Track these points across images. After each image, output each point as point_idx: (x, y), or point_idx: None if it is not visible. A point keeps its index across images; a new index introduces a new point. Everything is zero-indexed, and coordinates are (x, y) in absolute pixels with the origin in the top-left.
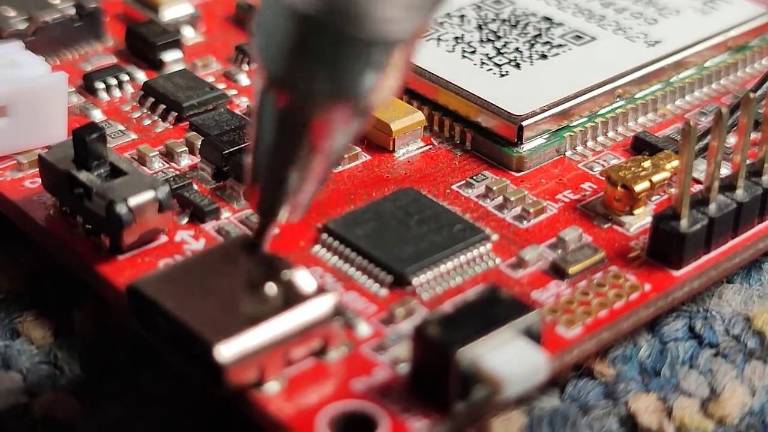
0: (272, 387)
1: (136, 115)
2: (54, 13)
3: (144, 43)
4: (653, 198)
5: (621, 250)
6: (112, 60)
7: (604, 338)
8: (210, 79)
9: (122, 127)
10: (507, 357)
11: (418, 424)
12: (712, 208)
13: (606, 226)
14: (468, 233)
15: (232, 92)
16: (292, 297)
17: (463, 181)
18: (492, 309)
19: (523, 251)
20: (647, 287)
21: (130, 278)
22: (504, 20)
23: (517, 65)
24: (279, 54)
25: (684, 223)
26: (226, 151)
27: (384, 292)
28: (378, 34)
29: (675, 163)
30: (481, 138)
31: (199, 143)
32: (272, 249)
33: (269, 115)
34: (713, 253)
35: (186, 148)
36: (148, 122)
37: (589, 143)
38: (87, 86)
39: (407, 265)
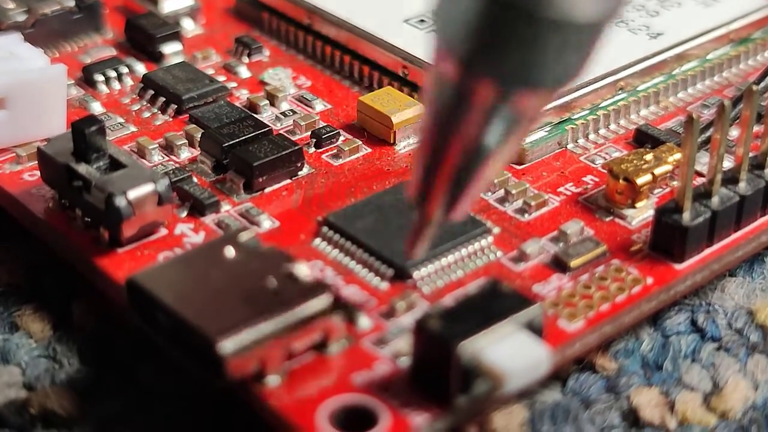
0: (273, 380)
1: (136, 108)
2: (53, 5)
3: (143, 36)
4: (655, 191)
5: (623, 243)
6: (112, 52)
7: (606, 332)
8: (210, 72)
9: (122, 120)
10: (508, 351)
11: (419, 418)
12: (715, 201)
13: (608, 219)
14: (469, 226)
15: (232, 84)
16: (292, 290)
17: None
18: (493, 302)
19: (524, 244)
20: (649, 281)
21: (129, 271)
22: None
23: None
24: (469, 37)
25: (686, 216)
26: (226, 144)
27: (385, 285)
28: (571, 15)
29: (677, 155)
30: None
31: (199, 136)
32: (272, 242)
33: (453, 99)
34: (716, 247)
35: (186, 141)
36: (147, 115)
37: (591, 136)
38: (86, 78)
39: (408, 259)
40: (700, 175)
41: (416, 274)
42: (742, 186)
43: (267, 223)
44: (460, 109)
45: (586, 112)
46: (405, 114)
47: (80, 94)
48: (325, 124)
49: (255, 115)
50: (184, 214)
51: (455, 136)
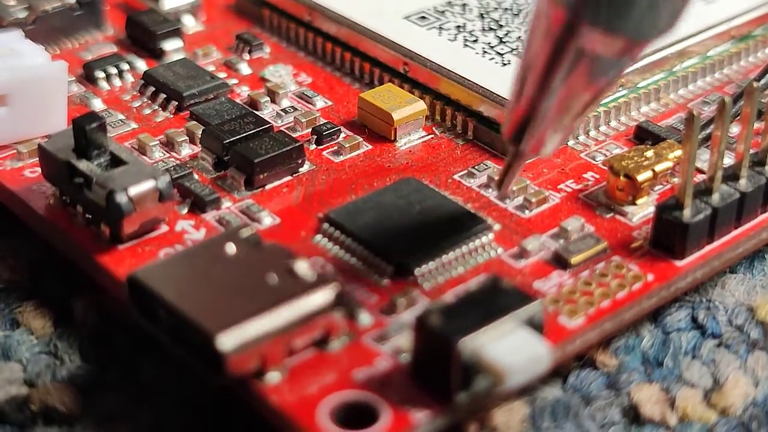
0: (273, 377)
1: (137, 105)
2: (54, 2)
3: (144, 32)
4: (656, 188)
5: (623, 240)
6: (113, 49)
7: (606, 328)
8: (210, 68)
9: (122, 117)
10: (509, 347)
11: (420, 414)
12: (716, 197)
13: (608, 215)
14: (470, 223)
15: (233, 81)
16: (293, 287)
17: (465, 171)
18: (494, 299)
19: (525, 241)
20: (650, 277)
21: (130, 268)
22: (506, 9)
23: (519, 54)
24: None
25: (687, 213)
26: (227, 141)
27: (385, 282)
28: None
29: (678, 152)
30: (483, 127)
31: (200, 132)
32: (273, 239)
33: (543, 33)
34: (716, 243)
35: (186, 138)
36: (148, 111)
37: (592, 133)
38: (87, 75)
39: (409, 255)
40: (700, 171)
41: (417, 271)
42: (743, 183)
43: (268, 219)
44: (554, 51)
45: None
46: (406, 111)
47: (81, 91)
48: (325, 121)
49: (256, 112)
50: (185, 210)
51: (550, 77)
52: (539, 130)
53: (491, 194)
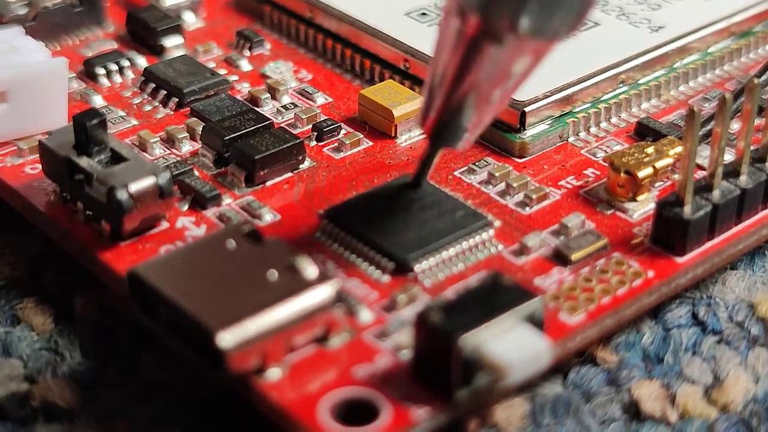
0: (274, 374)
1: (137, 101)
2: None
3: (145, 29)
4: (656, 184)
5: (624, 236)
6: (113, 45)
7: (607, 325)
8: (211, 65)
9: (123, 113)
10: (509, 344)
11: (420, 411)
12: (716, 194)
13: (609, 212)
14: (470, 219)
15: (234, 78)
16: (293, 283)
17: (466, 168)
18: (494, 295)
19: (525, 238)
20: (650, 274)
21: (130, 265)
22: None
23: None
24: None
25: (687, 210)
26: (227, 137)
27: (386, 278)
28: None
29: (678, 149)
30: None
31: (200, 129)
32: (274, 235)
33: (452, 37)
34: (717, 240)
35: (187, 134)
36: (149, 108)
37: (592, 129)
38: (87, 72)
39: (409, 252)
40: (701, 168)
41: (417, 268)
42: (743, 179)
43: (268, 216)
44: (459, 51)
45: (588, 105)
46: (406, 107)
47: (81, 88)
48: (326, 118)
49: (256, 109)
50: (186, 207)
51: (456, 75)
52: (455, 125)
53: (492, 191)
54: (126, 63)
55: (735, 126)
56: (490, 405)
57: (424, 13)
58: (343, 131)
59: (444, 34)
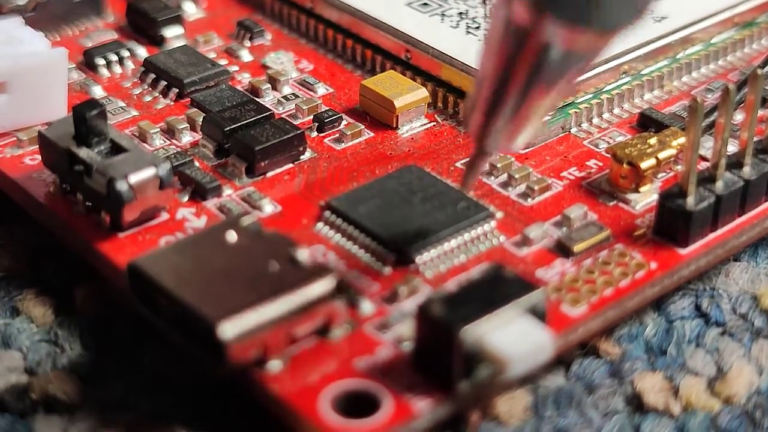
0: (275, 365)
1: (137, 92)
2: None
3: (145, 19)
4: (659, 175)
5: (627, 227)
6: (113, 36)
7: (609, 317)
8: (211, 55)
9: (123, 104)
10: (511, 336)
11: (422, 403)
12: (719, 185)
13: (611, 203)
14: (472, 211)
15: (234, 68)
16: (294, 275)
17: (467, 158)
18: (496, 287)
19: (527, 229)
20: (653, 265)
21: (130, 256)
22: None
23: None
24: None
25: (690, 201)
26: (228, 128)
27: (387, 270)
28: None
29: (681, 140)
30: None
31: (201, 120)
32: (275, 227)
33: (505, 30)
34: (720, 231)
35: (187, 125)
36: (149, 99)
37: (595, 120)
38: (87, 62)
39: (411, 243)
40: (704, 159)
41: (419, 259)
42: (747, 170)
43: (269, 207)
44: (517, 46)
45: (590, 96)
46: (407, 98)
47: (81, 78)
48: (327, 108)
49: (257, 99)
50: (186, 198)
51: (512, 72)
52: (505, 128)
53: (493, 182)
54: (126, 53)
55: (738, 117)
56: (491, 397)
57: (425, 3)
58: (344, 122)
59: (497, 29)
